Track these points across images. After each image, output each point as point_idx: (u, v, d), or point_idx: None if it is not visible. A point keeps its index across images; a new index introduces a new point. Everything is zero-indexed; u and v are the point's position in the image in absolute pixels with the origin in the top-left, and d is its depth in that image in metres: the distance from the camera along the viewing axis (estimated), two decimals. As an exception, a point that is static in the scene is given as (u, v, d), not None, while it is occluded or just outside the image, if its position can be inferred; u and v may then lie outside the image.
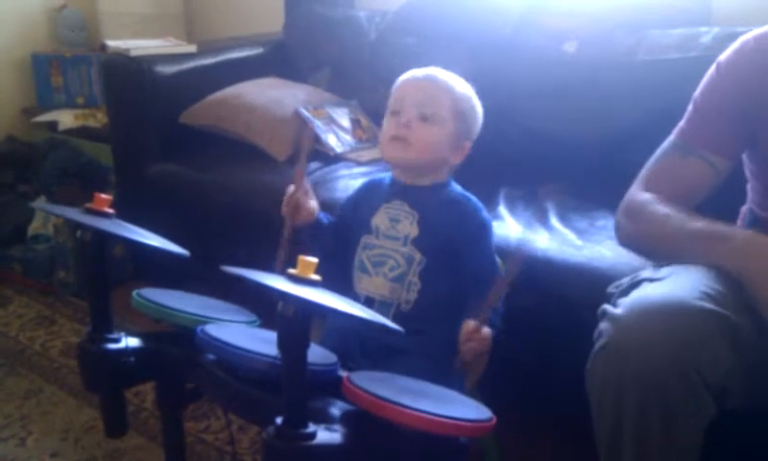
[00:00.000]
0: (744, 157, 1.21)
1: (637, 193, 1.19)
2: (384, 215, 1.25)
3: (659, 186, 1.17)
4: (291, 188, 1.27)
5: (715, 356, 0.91)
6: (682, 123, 1.20)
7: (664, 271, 1.08)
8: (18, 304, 2.22)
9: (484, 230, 1.23)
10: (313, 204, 1.28)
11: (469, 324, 1.11)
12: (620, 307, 0.97)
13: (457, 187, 1.28)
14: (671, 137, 1.20)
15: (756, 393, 0.98)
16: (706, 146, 1.15)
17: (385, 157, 1.27)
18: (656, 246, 1.14)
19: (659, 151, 1.21)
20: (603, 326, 0.98)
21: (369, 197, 1.30)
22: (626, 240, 1.21)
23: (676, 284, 1.01)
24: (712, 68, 1.17)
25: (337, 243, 1.30)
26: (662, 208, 1.13)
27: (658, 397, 0.91)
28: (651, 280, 1.06)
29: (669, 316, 0.93)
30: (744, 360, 0.94)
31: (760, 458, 1.05)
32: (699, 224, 1.08)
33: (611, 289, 1.11)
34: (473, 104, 1.25)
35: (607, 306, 1.00)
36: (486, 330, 1.11)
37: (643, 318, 0.94)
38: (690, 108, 1.19)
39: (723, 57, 1.16)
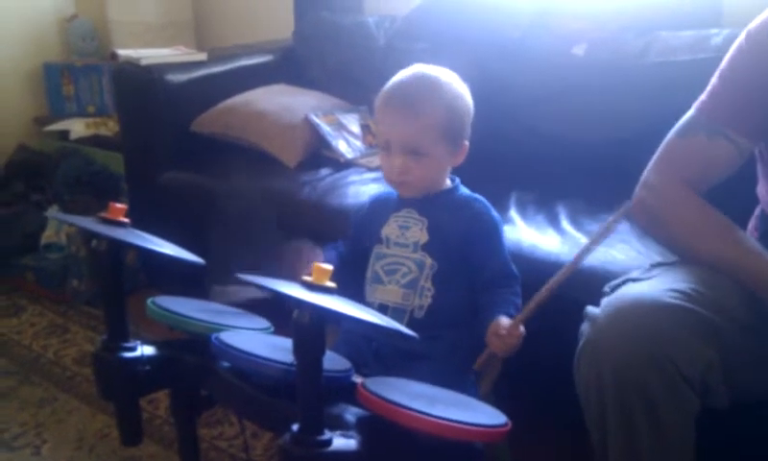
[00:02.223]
0: (758, 154, 1.18)
1: (657, 181, 1.13)
2: (394, 224, 1.25)
3: (680, 167, 1.12)
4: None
5: (689, 350, 0.93)
6: (704, 97, 1.13)
7: (655, 271, 1.09)
8: (32, 313, 2.24)
9: (495, 230, 1.23)
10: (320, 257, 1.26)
11: (503, 320, 1.11)
12: (599, 308, 1.00)
13: (465, 190, 1.28)
14: (693, 113, 1.13)
15: (745, 392, 1.00)
16: (732, 126, 1.08)
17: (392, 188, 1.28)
18: (691, 246, 1.11)
19: (680, 128, 1.14)
20: (583, 326, 1.01)
21: (378, 210, 1.30)
22: (653, 232, 1.18)
23: (655, 284, 1.03)
24: (741, 37, 1.09)
25: (354, 271, 1.29)
26: (697, 207, 1.10)
27: (638, 392, 0.93)
28: (635, 280, 1.08)
29: (640, 314, 0.95)
30: (728, 359, 0.95)
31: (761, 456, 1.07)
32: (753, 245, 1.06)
33: (605, 288, 1.12)
34: (459, 107, 1.21)
35: (588, 307, 1.03)
36: (522, 328, 1.11)
37: (617, 317, 0.97)
38: (716, 81, 1.12)
39: (753, 25, 1.08)
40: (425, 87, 1.19)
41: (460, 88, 1.22)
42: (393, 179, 1.22)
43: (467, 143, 1.24)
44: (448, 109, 1.19)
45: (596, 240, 1.08)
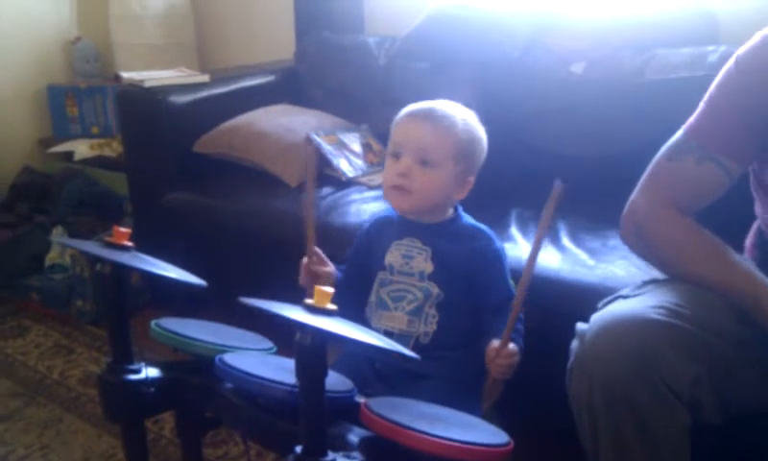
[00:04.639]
0: (751, 172, 1.18)
1: (646, 203, 1.13)
2: (396, 252, 1.25)
3: (668, 190, 1.12)
4: (305, 260, 1.25)
5: (675, 365, 0.94)
6: (692, 120, 1.12)
7: (645, 288, 1.10)
8: (37, 334, 2.25)
9: (498, 261, 1.24)
10: (329, 269, 1.27)
11: (494, 343, 1.12)
12: (587, 325, 1.01)
13: (468, 219, 1.28)
14: (681, 136, 1.12)
15: (739, 407, 1.01)
16: (721, 150, 1.08)
17: (388, 202, 1.27)
18: (680, 267, 1.11)
19: (668, 150, 1.13)
20: (573, 343, 1.03)
21: (380, 234, 1.30)
22: (641, 253, 1.18)
23: (643, 300, 1.03)
24: (730, 63, 1.09)
25: (353, 291, 1.29)
26: (685, 230, 1.10)
27: (627, 407, 0.94)
28: (625, 297, 1.09)
29: (626, 330, 0.96)
30: (719, 374, 0.97)
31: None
32: (743, 264, 1.06)
33: (599, 305, 1.13)
34: (477, 139, 1.23)
35: (578, 323, 1.04)
36: (512, 346, 1.12)
37: (603, 334, 0.98)
38: (704, 105, 1.11)
39: (742, 51, 1.08)
40: (450, 109, 1.21)
41: (480, 128, 1.24)
42: (393, 182, 1.20)
43: (471, 179, 1.24)
44: (466, 134, 1.20)
45: (541, 235, 1.05)
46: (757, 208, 1.22)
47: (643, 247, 1.16)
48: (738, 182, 1.14)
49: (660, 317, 0.97)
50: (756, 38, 1.07)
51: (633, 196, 1.16)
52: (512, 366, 1.12)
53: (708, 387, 0.96)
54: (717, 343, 0.99)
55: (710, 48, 1.78)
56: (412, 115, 1.22)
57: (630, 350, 0.94)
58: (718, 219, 1.12)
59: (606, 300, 1.13)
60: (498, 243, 1.25)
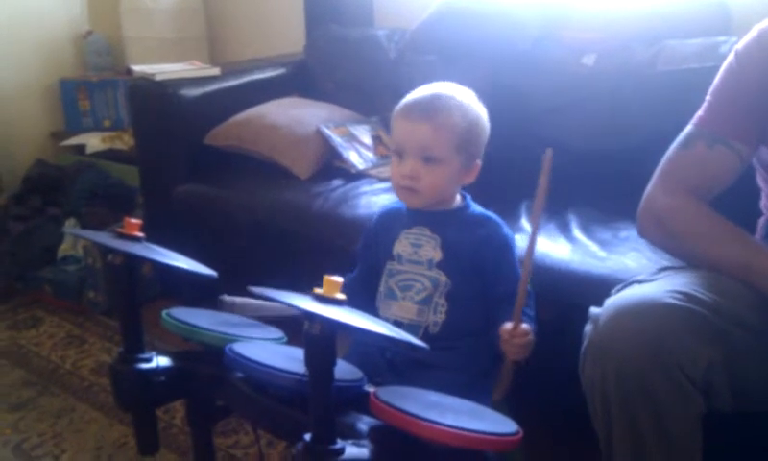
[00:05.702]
0: (756, 163, 1.20)
1: (663, 194, 1.15)
2: (405, 241, 1.25)
3: (684, 178, 1.14)
4: None
5: (691, 350, 0.94)
6: (700, 113, 1.17)
7: (661, 274, 1.10)
8: (50, 325, 2.27)
9: (507, 248, 1.23)
10: None
11: (506, 324, 1.12)
12: (601, 309, 1.01)
13: (477, 207, 1.28)
14: (691, 128, 1.17)
15: (755, 398, 1.01)
16: (729, 134, 1.12)
17: (400, 199, 1.27)
18: (706, 255, 1.11)
19: (680, 141, 1.17)
20: (587, 327, 1.03)
21: (387, 225, 1.30)
22: (663, 246, 1.19)
23: (659, 285, 1.03)
24: (731, 57, 1.15)
25: (368, 287, 1.29)
26: (705, 215, 1.11)
27: (640, 391, 0.94)
28: (641, 282, 1.09)
29: (641, 314, 0.96)
30: (735, 362, 0.96)
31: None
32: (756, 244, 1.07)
33: (613, 292, 1.13)
34: (476, 123, 1.21)
35: (592, 308, 1.04)
36: (525, 325, 1.11)
37: (618, 317, 0.98)
38: (710, 97, 1.17)
39: (741, 45, 1.14)
40: (445, 100, 1.20)
41: (478, 108, 1.23)
42: (401, 184, 1.21)
43: (479, 162, 1.24)
44: (465, 123, 1.19)
45: (538, 207, 1.08)
46: (764, 202, 1.22)
47: (665, 239, 1.16)
48: (739, 183, 1.16)
49: (676, 301, 0.97)
50: (753, 33, 1.13)
51: (648, 191, 1.17)
52: (526, 345, 1.11)
53: (723, 374, 0.95)
54: (734, 331, 0.98)
55: (722, 39, 1.76)
56: (408, 116, 1.20)
57: (645, 334, 0.94)
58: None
59: (619, 286, 1.13)
60: (507, 230, 1.25)
